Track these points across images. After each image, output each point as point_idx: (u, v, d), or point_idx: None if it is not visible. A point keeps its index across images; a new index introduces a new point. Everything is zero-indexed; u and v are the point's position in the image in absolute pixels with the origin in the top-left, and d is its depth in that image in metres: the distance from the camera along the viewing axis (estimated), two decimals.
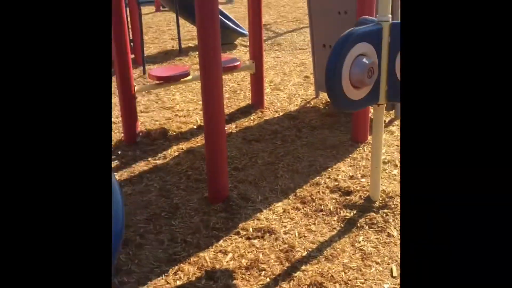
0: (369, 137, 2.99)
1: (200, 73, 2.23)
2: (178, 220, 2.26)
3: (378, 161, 2.25)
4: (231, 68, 3.36)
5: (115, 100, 3.62)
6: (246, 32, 6.00)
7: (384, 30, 1.99)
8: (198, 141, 3.11)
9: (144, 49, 5.82)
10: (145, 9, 8.38)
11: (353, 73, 1.93)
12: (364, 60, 1.93)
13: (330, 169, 2.66)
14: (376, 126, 2.20)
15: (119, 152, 2.97)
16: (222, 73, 2.23)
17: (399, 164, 2.67)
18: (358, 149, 2.90)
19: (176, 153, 2.95)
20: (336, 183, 2.50)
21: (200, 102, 3.84)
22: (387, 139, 3.01)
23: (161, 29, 7.08)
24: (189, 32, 6.68)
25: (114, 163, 2.85)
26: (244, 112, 3.61)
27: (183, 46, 5.91)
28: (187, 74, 3.22)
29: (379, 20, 2.01)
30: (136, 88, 3.06)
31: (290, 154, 2.87)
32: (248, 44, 5.99)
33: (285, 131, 3.23)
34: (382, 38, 2.00)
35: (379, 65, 2.03)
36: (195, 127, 3.35)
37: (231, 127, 3.33)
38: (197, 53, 5.49)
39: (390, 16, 2.02)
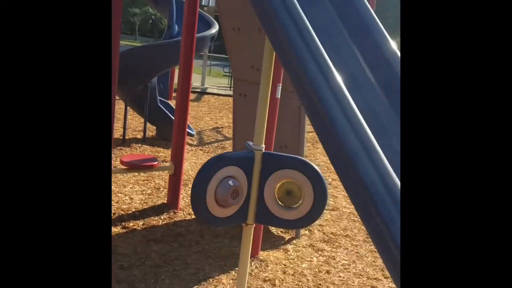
0: (260, 252, 3.07)
1: None
2: None
3: (243, 279, 2.32)
4: (148, 167, 3.49)
5: None
6: (193, 132, 6.25)
7: (256, 158, 2.17)
8: None
9: None
10: None
11: (218, 193, 2.06)
12: (230, 182, 2.08)
13: (211, 280, 2.71)
14: (244, 244, 2.29)
15: None
16: (111, 168, 2.34)
17: (277, 283, 2.74)
18: None
19: None
20: None
21: (120, 194, 3.92)
22: (278, 256, 3.09)
23: (117, 117, 7.30)
24: (141, 123, 6.91)
25: None
26: (157, 211, 3.68)
27: (131, 136, 6.10)
28: None
29: (252, 148, 2.19)
30: None
31: (181, 259, 2.92)
32: (194, 143, 6.22)
33: (188, 235, 3.30)
34: (254, 165, 2.17)
35: (249, 188, 2.18)
36: None
37: (137, 224, 3.39)
38: (140, 145, 5.67)
39: (263, 146, 2.21)
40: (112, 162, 4.29)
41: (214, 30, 5.69)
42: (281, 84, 2.99)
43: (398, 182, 1.48)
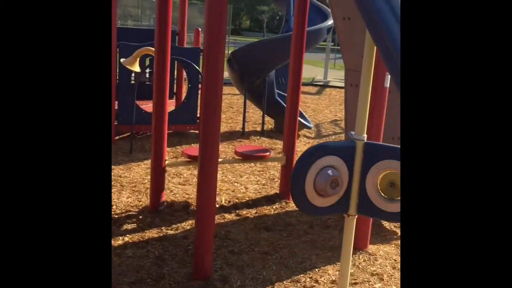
0: (369, 246, 3.01)
1: (199, 156, 2.49)
2: None
3: (346, 270, 2.30)
4: (260, 157, 3.60)
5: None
6: (311, 125, 6.28)
7: (357, 148, 2.13)
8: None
9: None
10: (233, 89, 9.06)
11: (317, 182, 2.08)
12: (329, 171, 2.08)
13: (317, 270, 2.73)
14: (346, 235, 2.28)
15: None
16: (218, 158, 2.48)
17: (385, 278, 2.66)
18: (354, 256, 2.92)
19: (188, 227, 3.19)
20: (314, 284, 2.56)
21: (236, 184, 4.11)
22: (389, 251, 3.00)
23: (239, 110, 7.61)
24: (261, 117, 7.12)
25: (130, 226, 3.16)
26: (269, 200, 3.79)
27: (251, 129, 6.32)
28: None
29: (354, 138, 2.16)
30: (167, 162, 3.41)
31: (288, 247, 2.98)
32: (312, 136, 6.26)
33: (298, 225, 3.35)
34: (356, 155, 2.14)
35: (350, 178, 2.15)
36: (217, 205, 3.59)
37: (250, 212, 3.52)
38: (258, 137, 5.86)
39: (365, 136, 2.16)
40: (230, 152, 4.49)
41: (331, 21, 5.64)
42: None
43: None
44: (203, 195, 2.49)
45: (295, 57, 3.53)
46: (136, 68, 3.63)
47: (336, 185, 2.11)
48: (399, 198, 2.12)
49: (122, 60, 3.87)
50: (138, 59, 3.59)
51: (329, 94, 10.34)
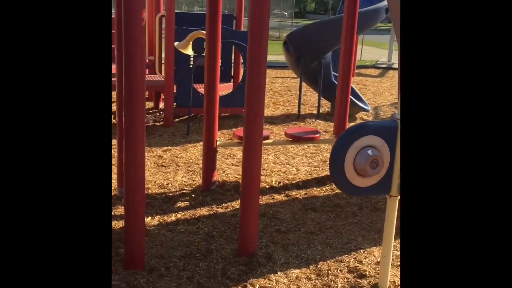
0: None
1: (243, 137, 2.55)
2: (206, 263, 2.57)
3: (388, 251, 2.29)
4: (309, 139, 3.62)
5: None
6: (368, 108, 6.18)
7: (399, 128, 2.11)
8: (263, 200, 3.40)
9: (272, 109, 6.37)
10: (292, 73, 9.04)
11: (357, 162, 2.08)
12: (369, 151, 2.07)
13: (362, 251, 2.73)
14: (388, 217, 2.26)
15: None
16: (262, 140, 2.53)
17: None
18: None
19: (238, 206, 3.28)
20: (358, 265, 2.56)
21: (288, 165, 4.15)
22: None
23: (297, 93, 7.60)
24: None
25: (183, 204, 3.30)
26: (320, 182, 3.80)
27: (307, 112, 6.32)
28: (266, 137, 3.56)
29: (395, 118, 2.14)
30: (218, 143, 3.51)
31: (335, 228, 2.99)
32: (369, 119, 6.15)
33: (347, 206, 3.35)
34: (397, 135, 2.12)
35: (392, 159, 2.14)
36: (267, 186, 3.65)
37: (300, 193, 3.56)
38: (314, 120, 5.84)
39: None
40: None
41: None
42: None
43: None
44: (248, 175, 2.56)
45: (346, 39, 3.49)
46: (189, 51, 3.74)
47: (377, 165, 2.10)
48: None
49: (176, 43, 3.99)
50: (191, 42, 3.69)
51: (392, 77, 10.06)
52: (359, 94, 6.37)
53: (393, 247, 2.77)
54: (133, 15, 2.14)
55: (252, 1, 2.32)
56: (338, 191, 3.63)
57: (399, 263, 2.62)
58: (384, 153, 2.11)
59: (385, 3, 5.48)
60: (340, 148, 2.06)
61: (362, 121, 5.99)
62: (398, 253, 2.73)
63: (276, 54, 12.05)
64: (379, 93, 8.07)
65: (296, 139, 3.57)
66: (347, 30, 3.48)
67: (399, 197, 2.24)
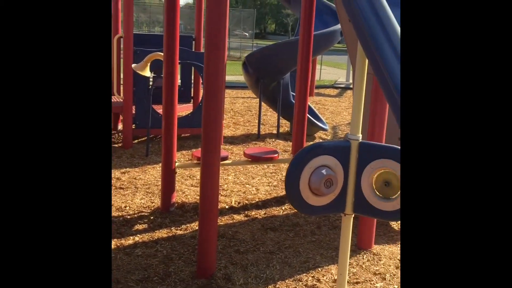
0: (374, 246, 3.02)
1: (201, 159, 2.56)
2: (164, 287, 2.53)
3: (344, 269, 2.33)
4: (268, 159, 3.65)
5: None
6: (326, 127, 6.29)
7: (352, 147, 2.16)
8: (223, 220, 3.40)
9: (233, 129, 6.41)
10: (251, 93, 9.11)
11: (312, 181, 2.11)
12: (323, 171, 2.11)
13: (320, 269, 2.76)
14: (343, 235, 2.30)
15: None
16: (219, 161, 2.54)
17: (387, 278, 2.68)
18: (358, 255, 2.94)
19: (197, 228, 3.25)
20: (316, 283, 2.59)
21: (247, 185, 4.17)
22: (394, 251, 3.01)
23: (257, 113, 7.67)
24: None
25: (141, 226, 3.25)
26: (279, 201, 3.83)
27: (267, 132, 6.38)
28: (225, 158, 3.58)
29: (349, 137, 2.19)
30: (177, 164, 3.49)
31: (293, 248, 3.02)
32: (328, 138, 6.27)
33: (305, 225, 3.38)
34: (350, 154, 2.17)
35: (346, 178, 2.19)
36: (226, 207, 3.65)
37: (259, 213, 3.57)
38: (274, 139, 5.91)
39: (360, 135, 2.19)
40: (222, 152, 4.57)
41: None
42: None
43: None
44: (206, 196, 2.56)
45: (302, 61, 3.57)
46: (147, 73, 3.73)
47: (331, 184, 2.14)
48: (394, 197, 2.14)
49: (133, 65, 3.98)
50: (148, 64, 3.69)
51: (350, 97, 10.29)
52: (318, 113, 6.49)
53: (349, 264, 2.82)
54: None
55: (208, 22, 2.36)
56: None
57: (355, 280, 2.66)
58: (338, 172, 2.16)
59: (339, 26, 5.64)
60: (295, 168, 2.10)
61: (321, 140, 6.10)
62: (354, 270, 2.78)
63: (237, 74, 12.15)
64: (337, 112, 8.24)
65: (255, 159, 3.60)
66: (303, 51, 3.56)
67: (353, 215, 2.29)
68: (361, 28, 1.83)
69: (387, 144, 2.16)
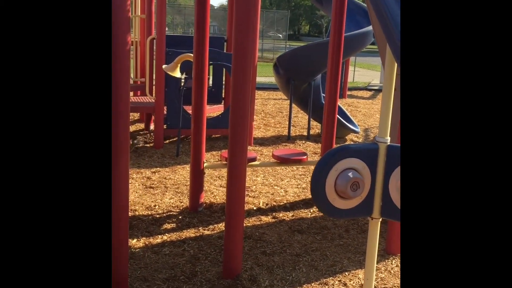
0: None
1: (228, 161, 2.57)
2: (190, 286, 2.55)
3: (371, 273, 2.29)
4: (296, 161, 3.63)
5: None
6: (358, 129, 6.22)
7: (380, 150, 2.12)
8: (250, 222, 3.40)
9: (263, 130, 6.40)
10: (283, 95, 9.09)
11: (338, 184, 2.09)
12: (350, 174, 2.08)
13: (347, 273, 2.72)
14: (371, 238, 2.26)
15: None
16: (246, 162, 2.54)
17: None
18: (387, 260, 2.89)
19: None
20: (342, 287, 2.55)
21: (276, 187, 4.16)
22: None
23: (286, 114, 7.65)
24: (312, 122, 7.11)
25: (170, 226, 3.28)
26: (308, 204, 3.80)
27: (298, 134, 6.35)
28: (253, 159, 3.58)
29: (377, 140, 2.16)
30: (205, 164, 3.51)
31: (320, 250, 2.99)
32: (360, 140, 6.19)
33: (333, 228, 3.35)
34: (378, 157, 2.13)
35: (373, 181, 2.15)
36: (254, 208, 3.65)
37: (287, 215, 3.56)
38: (304, 141, 5.87)
39: (389, 138, 2.15)
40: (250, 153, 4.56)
41: None
42: None
43: None
44: (232, 197, 2.56)
45: (332, 63, 3.54)
46: (177, 74, 3.78)
47: (357, 188, 2.11)
48: None
49: (163, 66, 4.03)
50: (178, 65, 3.73)
51: None
52: (349, 115, 6.42)
53: (377, 269, 2.77)
54: (118, 38, 2.16)
55: (235, 23, 2.36)
56: None
57: (383, 285, 2.62)
58: (365, 175, 2.13)
59: (371, 27, 5.57)
60: (321, 170, 2.07)
61: (352, 142, 6.02)
62: (382, 275, 2.73)
63: (269, 75, 12.15)
64: (369, 114, 8.13)
65: (283, 160, 3.58)
66: (333, 52, 3.53)
67: (380, 219, 2.25)
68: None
69: None
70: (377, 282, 2.64)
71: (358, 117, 7.73)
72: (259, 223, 3.41)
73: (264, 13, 24.70)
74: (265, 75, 12.73)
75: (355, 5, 6.22)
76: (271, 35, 27.16)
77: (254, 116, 6.38)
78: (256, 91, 9.18)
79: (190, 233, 3.19)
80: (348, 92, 10.44)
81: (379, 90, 11.49)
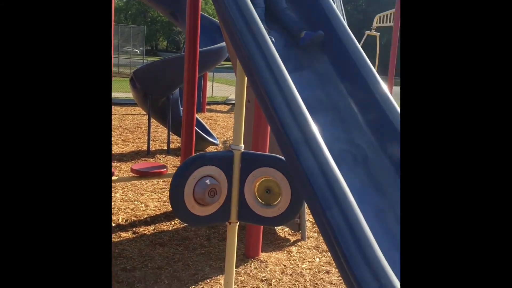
0: (261, 254, 3.12)
1: None
2: None
3: (230, 277, 2.37)
4: (156, 174, 3.62)
5: None
6: (217, 142, 6.38)
7: (235, 157, 2.23)
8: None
9: (122, 146, 6.23)
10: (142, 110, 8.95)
11: (196, 192, 2.14)
12: (207, 181, 2.15)
13: (208, 280, 2.78)
14: (229, 243, 2.35)
15: None
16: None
17: (273, 283, 2.78)
18: (246, 264, 3.02)
19: None
20: None
21: (136, 202, 4.08)
22: (280, 258, 3.12)
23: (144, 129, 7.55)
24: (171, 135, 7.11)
25: None
26: (169, 216, 3.80)
27: (158, 148, 6.30)
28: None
29: (232, 148, 2.26)
30: None
31: (183, 261, 3.01)
32: None
33: (195, 238, 3.39)
34: (234, 164, 2.24)
35: (230, 187, 2.24)
36: (113, 225, 3.54)
37: (148, 229, 3.51)
38: (164, 155, 5.85)
39: (242, 145, 2.27)
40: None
41: None
42: None
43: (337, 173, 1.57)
44: None
45: (188, 77, 3.61)
46: None
47: (215, 194, 2.19)
48: (276, 203, 2.24)
49: None
50: None
51: None
52: (208, 128, 6.55)
53: (237, 272, 2.88)
54: None
55: None
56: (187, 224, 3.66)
57: None
58: (222, 181, 2.21)
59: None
60: (179, 179, 2.11)
61: None
62: (242, 278, 2.84)
63: (127, 91, 11.86)
64: (228, 127, 8.38)
65: (142, 174, 3.54)
66: (189, 67, 3.60)
67: (238, 223, 2.35)
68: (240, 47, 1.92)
69: (267, 153, 2.27)
70: (237, 285, 2.75)
71: (217, 130, 7.93)
72: (118, 239, 3.31)
73: (120, 27, 24.07)
74: (123, 91, 12.40)
75: (210, 22, 6.42)
76: (127, 50, 26.52)
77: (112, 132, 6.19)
78: (113, 106, 8.92)
79: None
80: (207, 106, 10.64)
81: None
